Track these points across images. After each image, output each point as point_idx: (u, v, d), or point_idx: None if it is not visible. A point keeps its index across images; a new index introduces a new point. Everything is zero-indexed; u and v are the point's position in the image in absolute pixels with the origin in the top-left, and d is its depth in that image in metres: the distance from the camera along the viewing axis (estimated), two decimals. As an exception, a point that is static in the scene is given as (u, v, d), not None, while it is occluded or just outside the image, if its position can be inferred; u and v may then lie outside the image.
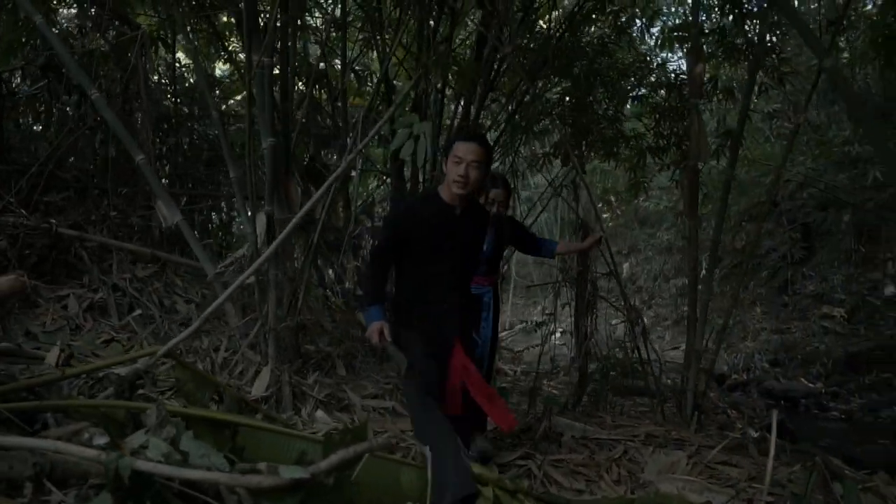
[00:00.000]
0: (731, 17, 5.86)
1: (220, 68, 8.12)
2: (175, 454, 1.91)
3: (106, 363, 2.37)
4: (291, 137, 4.33)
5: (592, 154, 7.28)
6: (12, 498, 1.76)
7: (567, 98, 6.75)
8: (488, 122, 7.19)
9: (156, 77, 6.43)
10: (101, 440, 2.10)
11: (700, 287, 4.61)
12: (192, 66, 7.51)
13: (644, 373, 4.65)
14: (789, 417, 6.52)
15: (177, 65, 6.97)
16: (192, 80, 7.47)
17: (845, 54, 8.52)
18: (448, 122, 6.76)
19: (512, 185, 4.25)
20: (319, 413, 3.82)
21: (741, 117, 4.71)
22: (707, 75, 6.40)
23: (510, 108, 6.56)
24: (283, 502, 1.68)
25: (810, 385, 7.94)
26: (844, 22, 5.18)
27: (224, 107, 7.65)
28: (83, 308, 4.27)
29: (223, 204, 7.14)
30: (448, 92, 6.63)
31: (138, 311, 4.39)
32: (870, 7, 7.97)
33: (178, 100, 6.85)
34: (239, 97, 8.04)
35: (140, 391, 2.58)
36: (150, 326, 4.30)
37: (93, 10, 5.44)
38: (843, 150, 8.43)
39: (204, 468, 1.98)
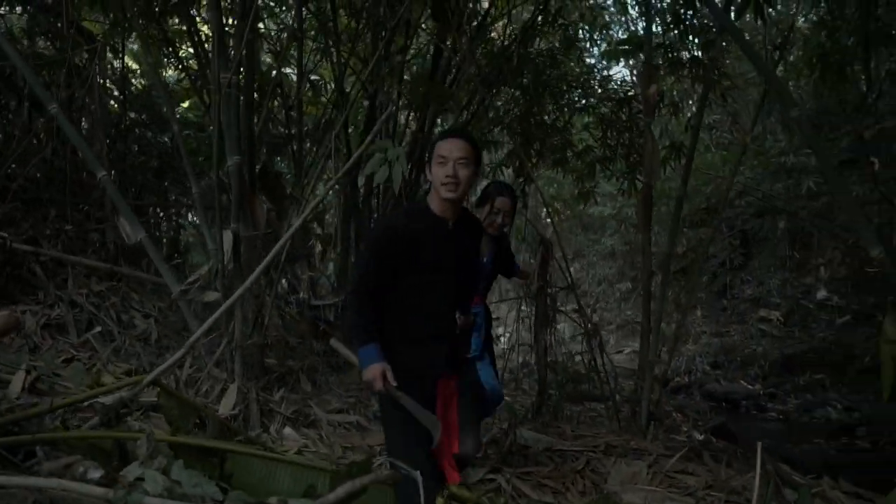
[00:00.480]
0: (675, 33, 6.10)
1: (169, 74, 8.01)
2: (178, 488, 1.97)
3: (93, 393, 2.40)
4: (256, 155, 4.37)
5: (541, 163, 7.52)
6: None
7: (516, 108, 6.93)
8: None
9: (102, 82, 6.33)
10: (95, 473, 2.14)
11: (653, 301, 4.84)
12: (139, 71, 7.42)
13: (600, 381, 4.86)
14: (731, 419, 6.86)
15: (125, 70, 6.87)
16: (139, 86, 7.37)
17: (780, 68, 8.93)
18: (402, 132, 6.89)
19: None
20: (287, 430, 3.88)
21: (693, 137, 4.97)
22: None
23: (463, 118, 6.69)
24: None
25: (749, 387, 8.33)
26: (787, 46, 5.47)
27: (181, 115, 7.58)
28: (40, 325, 4.22)
29: (173, 213, 7.09)
30: (401, 103, 6.73)
31: (98, 328, 4.35)
32: (803, 21, 8.39)
33: (127, 106, 6.76)
34: (186, 103, 7.98)
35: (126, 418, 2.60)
36: (112, 344, 4.27)
37: (42, 15, 5.34)
38: (780, 161, 8.86)
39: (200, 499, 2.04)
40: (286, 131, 6.86)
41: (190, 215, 7.41)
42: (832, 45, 6.64)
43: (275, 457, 2.43)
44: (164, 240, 6.88)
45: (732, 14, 4.95)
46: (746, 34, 7.44)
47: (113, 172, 6.51)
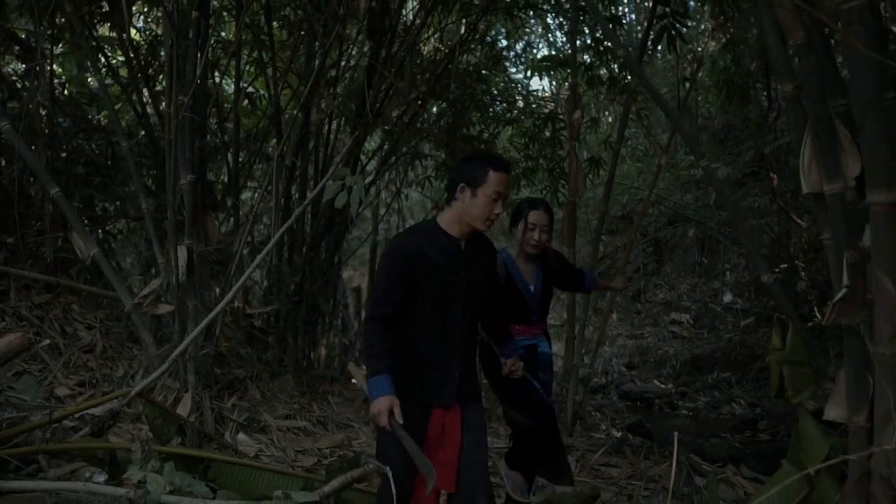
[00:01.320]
0: (595, 54, 6.64)
1: (92, 82, 8.02)
2: (183, 487, 2.27)
3: (86, 405, 2.65)
4: (207, 174, 4.62)
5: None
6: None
7: (443, 121, 7.36)
8: (374, 146, 7.67)
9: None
10: (100, 478, 2.42)
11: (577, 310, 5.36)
12: (66, 78, 7.44)
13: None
14: (646, 416, 7.49)
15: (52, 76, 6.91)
16: (66, 94, 7.39)
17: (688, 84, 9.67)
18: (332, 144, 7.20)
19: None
20: (241, 436, 4.16)
21: (613, 157, 5.52)
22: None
23: (395, 133, 7.06)
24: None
25: (662, 386, 9.02)
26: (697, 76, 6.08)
27: (103, 121, 7.62)
28: (-14, 339, 4.34)
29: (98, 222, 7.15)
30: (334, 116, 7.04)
31: (46, 341, 4.51)
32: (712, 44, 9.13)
33: (57, 112, 6.80)
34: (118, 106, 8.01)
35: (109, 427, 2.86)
36: (62, 357, 4.44)
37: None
38: (689, 173, 9.60)
39: (201, 497, 2.36)
40: (218, 141, 7.04)
41: (117, 225, 7.47)
42: (736, 68, 7.38)
43: (254, 464, 2.74)
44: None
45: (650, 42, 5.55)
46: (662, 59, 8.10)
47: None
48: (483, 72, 7.59)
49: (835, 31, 1.82)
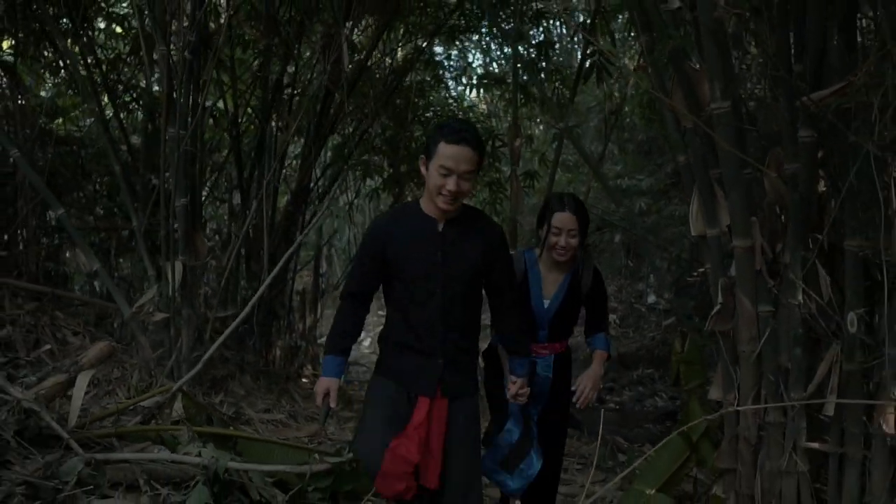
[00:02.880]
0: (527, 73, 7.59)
1: (46, 88, 8.52)
2: (236, 458, 3.08)
3: (140, 399, 3.43)
4: (199, 195, 5.36)
5: (413, 185, 8.85)
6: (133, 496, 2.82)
7: (385, 134, 8.19)
8: (325, 159, 8.45)
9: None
10: (164, 453, 3.20)
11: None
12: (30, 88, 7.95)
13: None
14: (576, 410, 8.54)
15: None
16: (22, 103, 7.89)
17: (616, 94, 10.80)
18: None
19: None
20: (231, 428, 4.95)
21: (552, 174, 6.51)
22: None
23: (350, 145, 7.86)
24: (323, 481, 2.95)
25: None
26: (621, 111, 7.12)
27: (56, 129, 8.14)
28: (-13, 343, 4.99)
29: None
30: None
31: (47, 346, 5.18)
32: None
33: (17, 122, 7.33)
34: (78, 111, 8.51)
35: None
36: (64, 360, 5.12)
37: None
38: (616, 183, 10.72)
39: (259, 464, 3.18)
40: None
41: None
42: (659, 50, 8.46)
43: (273, 441, 3.57)
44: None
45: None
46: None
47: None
48: (425, 88, 8.47)
49: (709, 131, 2.79)
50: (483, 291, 2.91)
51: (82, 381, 2.86)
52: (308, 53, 7.48)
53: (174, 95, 4.84)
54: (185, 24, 4.71)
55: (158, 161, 7.43)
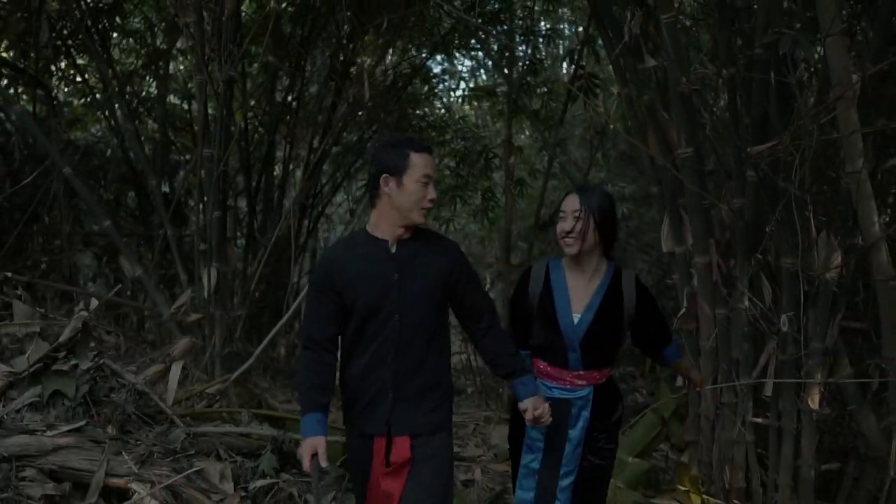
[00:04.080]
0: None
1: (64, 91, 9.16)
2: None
3: (205, 386, 4.26)
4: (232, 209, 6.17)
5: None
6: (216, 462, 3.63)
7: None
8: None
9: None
10: (240, 428, 4.01)
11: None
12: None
13: (473, 375, 7.14)
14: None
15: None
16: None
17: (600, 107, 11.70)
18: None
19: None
20: (259, 416, 5.78)
21: (543, 185, 7.38)
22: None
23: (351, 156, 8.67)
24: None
25: (575, 379, 11.03)
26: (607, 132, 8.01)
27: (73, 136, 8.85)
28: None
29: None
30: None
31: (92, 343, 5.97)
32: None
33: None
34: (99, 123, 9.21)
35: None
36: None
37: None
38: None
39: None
40: (181, 159, 8.43)
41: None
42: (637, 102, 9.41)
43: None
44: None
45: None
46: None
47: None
48: (420, 100, 9.31)
49: (675, 172, 3.68)
50: (450, 319, 2.74)
51: (176, 369, 3.68)
52: (310, 68, 8.29)
53: (207, 119, 5.63)
54: (225, 56, 5.46)
55: (170, 170, 8.28)
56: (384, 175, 2.49)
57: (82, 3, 6.44)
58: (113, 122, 7.57)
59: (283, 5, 7.13)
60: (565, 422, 2.76)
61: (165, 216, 6.14)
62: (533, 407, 2.65)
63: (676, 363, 3.14)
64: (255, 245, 7.99)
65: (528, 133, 13.00)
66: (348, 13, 6.69)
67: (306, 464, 2.44)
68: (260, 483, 3.46)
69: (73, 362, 3.28)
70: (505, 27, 7.74)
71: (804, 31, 3.04)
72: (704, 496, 3.83)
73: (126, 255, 5.77)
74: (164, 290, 6.70)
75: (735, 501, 3.87)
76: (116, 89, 7.11)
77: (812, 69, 3.36)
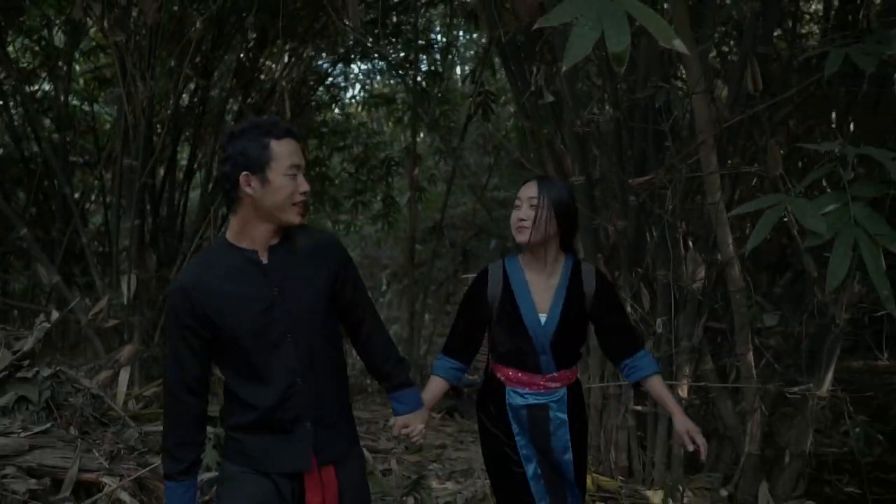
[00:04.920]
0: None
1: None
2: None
3: (145, 389, 4.68)
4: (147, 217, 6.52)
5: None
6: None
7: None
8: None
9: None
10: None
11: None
12: None
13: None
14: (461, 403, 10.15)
15: None
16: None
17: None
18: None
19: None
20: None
21: (446, 193, 8.03)
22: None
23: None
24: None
25: (470, 377, 11.81)
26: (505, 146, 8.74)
27: None
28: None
29: None
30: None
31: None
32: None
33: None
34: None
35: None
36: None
37: None
38: (493, 195, 12.44)
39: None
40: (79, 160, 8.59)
41: None
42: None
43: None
44: None
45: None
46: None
47: None
48: (322, 106, 9.82)
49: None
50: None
51: (124, 374, 4.11)
52: (216, 74, 8.63)
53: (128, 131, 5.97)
54: (149, 71, 5.81)
55: (68, 173, 8.44)
56: (243, 173, 2.17)
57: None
58: (7, 121, 7.62)
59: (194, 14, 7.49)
60: (546, 427, 2.74)
61: (80, 222, 6.44)
62: (402, 424, 2.56)
63: (645, 382, 2.81)
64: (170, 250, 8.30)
65: (421, 136, 13.71)
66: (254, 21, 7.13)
67: None
68: (207, 476, 3.93)
69: (35, 370, 3.67)
70: (409, 37, 8.30)
71: (676, 86, 3.79)
72: (594, 475, 4.55)
73: (42, 262, 6.05)
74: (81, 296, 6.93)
75: (620, 478, 4.64)
76: (13, 87, 7.25)
77: (682, 117, 4.13)
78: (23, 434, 3.33)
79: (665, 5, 3.87)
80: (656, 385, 2.80)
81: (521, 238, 2.63)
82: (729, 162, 4.16)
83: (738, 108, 3.97)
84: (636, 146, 4.34)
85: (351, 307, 2.42)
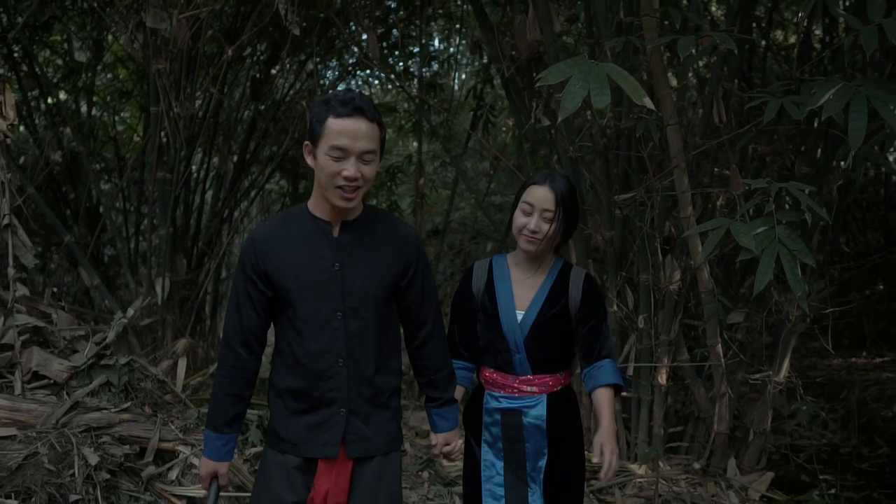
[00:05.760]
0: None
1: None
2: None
3: (195, 376, 5.49)
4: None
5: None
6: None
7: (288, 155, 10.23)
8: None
9: None
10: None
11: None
12: None
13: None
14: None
15: None
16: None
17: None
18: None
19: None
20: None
21: (450, 202, 8.85)
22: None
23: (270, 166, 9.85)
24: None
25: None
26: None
27: None
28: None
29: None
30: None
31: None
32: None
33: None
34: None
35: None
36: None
37: None
38: (489, 200, 13.26)
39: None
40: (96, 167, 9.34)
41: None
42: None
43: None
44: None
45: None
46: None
47: None
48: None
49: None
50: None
51: (181, 363, 4.91)
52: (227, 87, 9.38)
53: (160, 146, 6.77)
54: (185, 93, 6.61)
55: (87, 180, 9.19)
56: (306, 143, 2.23)
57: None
58: (32, 129, 8.30)
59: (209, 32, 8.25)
60: (519, 433, 2.70)
61: (116, 231, 7.24)
62: (444, 442, 2.57)
63: (595, 393, 2.75)
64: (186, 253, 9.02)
65: (415, 144, 14.52)
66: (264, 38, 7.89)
67: (204, 487, 2.35)
68: (253, 450, 4.74)
69: (115, 358, 4.49)
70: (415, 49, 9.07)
71: (653, 119, 4.61)
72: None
73: (84, 266, 6.84)
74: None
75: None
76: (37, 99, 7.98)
77: (657, 145, 5.00)
78: (113, 410, 4.14)
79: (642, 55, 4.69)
80: (601, 396, 2.71)
81: (529, 248, 2.67)
82: (701, 182, 5.04)
83: (707, 137, 4.84)
84: (620, 167, 5.21)
85: (415, 306, 2.43)
